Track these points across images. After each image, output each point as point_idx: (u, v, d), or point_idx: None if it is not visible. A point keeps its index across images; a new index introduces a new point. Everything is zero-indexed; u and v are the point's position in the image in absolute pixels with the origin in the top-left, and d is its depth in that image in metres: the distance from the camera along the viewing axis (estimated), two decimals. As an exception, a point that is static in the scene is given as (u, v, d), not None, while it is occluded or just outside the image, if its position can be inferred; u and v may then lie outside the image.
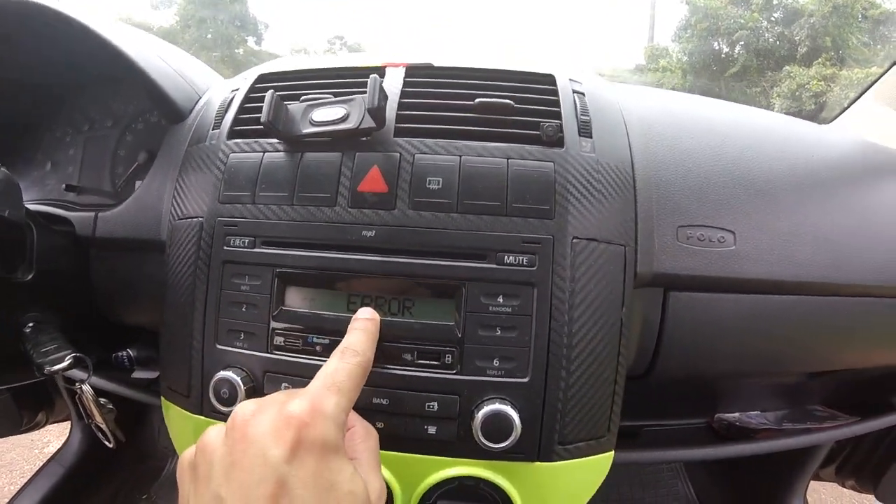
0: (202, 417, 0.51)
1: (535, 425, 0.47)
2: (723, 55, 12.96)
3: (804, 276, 0.55)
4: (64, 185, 0.56)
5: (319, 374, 0.39)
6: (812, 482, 1.23)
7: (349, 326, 0.44)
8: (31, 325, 0.53)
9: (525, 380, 0.47)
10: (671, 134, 0.59)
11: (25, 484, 1.23)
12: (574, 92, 0.56)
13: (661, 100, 0.71)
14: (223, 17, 20.00)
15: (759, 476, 1.20)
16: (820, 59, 11.02)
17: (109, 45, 0.58)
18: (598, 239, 0.49)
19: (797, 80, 10.80)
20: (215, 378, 0.49)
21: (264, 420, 0.35)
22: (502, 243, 0.48)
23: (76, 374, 0.58)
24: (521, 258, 0.48)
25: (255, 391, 0.48)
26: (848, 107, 1.10)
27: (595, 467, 0.50)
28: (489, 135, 0.52)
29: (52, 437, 2.04)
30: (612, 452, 0.50)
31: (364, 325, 0.45)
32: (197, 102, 0.64)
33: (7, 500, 1.19)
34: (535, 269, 0.48)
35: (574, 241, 0.48)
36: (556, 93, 0.55)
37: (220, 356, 0.50)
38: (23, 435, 1.96)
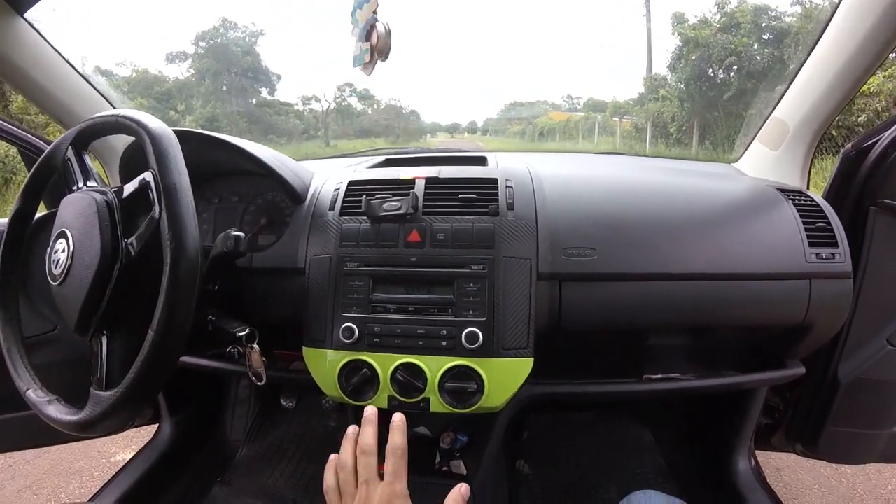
0: (332, 350, 0.95)
1: (489, 339, 0.90)
2: (718, 80, 12.99)
3: (636, 270, 0.96)
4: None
5: (388, 470, 0.70)
6: (786, 459, 1.45)
7: (392, 426, 0.74)
8: (211, 318, 0.90)
9: (484, 318, 0.92)
10: (560, 194, 1.04)
11: (127, 463, 1.47)
12: (507, 186, 1.03)
13: (558, 167, 1.18)
14: (236, 69, 20.74)
15: (711, 439, 1.46)
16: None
17: (253, 156, 1.04)
18: (515, 256, 0.95)
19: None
20: (342, 327, 0.94)
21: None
22: (471, 260, 0.95)
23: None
24: (480, 266, 0.94)
25: (360, 334, 0.94)
26: (748, 146, 1.42)
27: (521, 363, 0.91)
28: (465, 211, 1.00)
29: (118, 449, 2.19)
30: (532, 358, 0.91)
31: (399, 426, 0.74)
32: (309, 191, 1.08)
33: (115, 473, 1.43)
34: (486, 270, 0.94)
35: (503, 258, 0.94)
36: (496, 188, 1.03)
37: (343, 319, 0.95)
38: (91, 446, 2.19)
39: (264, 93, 22.10)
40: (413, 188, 1.03)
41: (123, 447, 2.20)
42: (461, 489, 0.72)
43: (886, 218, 1.13)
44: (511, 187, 1.04)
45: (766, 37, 12.65)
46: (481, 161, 1.29)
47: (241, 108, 20.49)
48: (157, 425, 1.60)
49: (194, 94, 20.24)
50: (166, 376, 0.71)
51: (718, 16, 13.05)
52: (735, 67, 12.65)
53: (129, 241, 0.75)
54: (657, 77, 15.42)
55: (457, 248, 0.96)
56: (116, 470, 1.45)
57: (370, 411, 0.77)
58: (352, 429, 0.78)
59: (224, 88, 20.77)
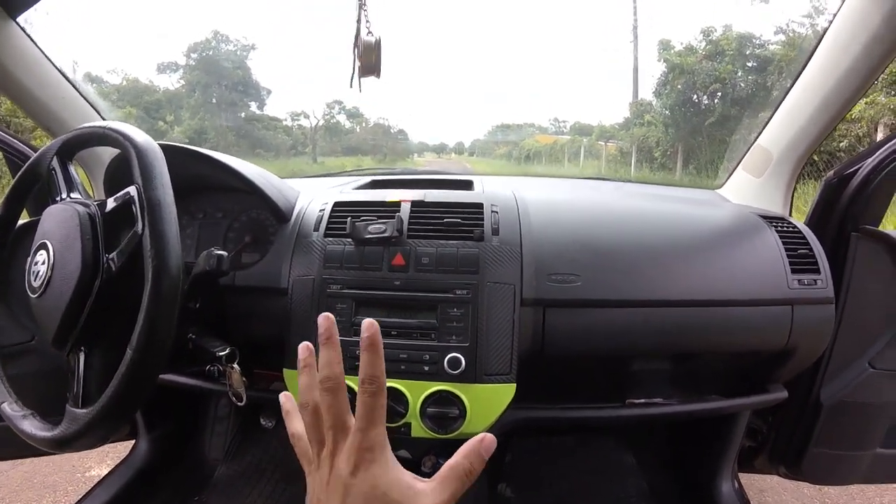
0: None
1: (472, 364, 0.89)
2: (702, 106, 13.20)
3: (620, 296, 0.97)
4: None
5: (358, 413, 0.53)
6: (769, 480, 1.43)
7: (362, 344, 0.55)
8: (192, 336, 0.89)
9: (467, 344, 0.92)
10: (545, 220, 1.04)
11: (101, 480, 1.42)
12: (492, 211, 1.04)
13: (544, 192, 1.20)
14: (227, 83, 20.79)
15: (694, 463, 1.46)
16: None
17: (237, 172, 1.03)
18: (499, 282, 0.95)
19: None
20: None
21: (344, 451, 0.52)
22: (455, 285, 0.94)
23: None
24: (464, 291, 0.94)
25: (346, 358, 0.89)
26: (732, 173, 1.45)
27: (504, 389, 0.91)
28: (450, 236, 1.00)
29: (93, 464, 2.15)
30: (514, 384, 0.91)
31: (372, 339, 0.55)
32: (293, 211, 1.07)
33: (86, 491, 1.38)
34: (470, 296, 0.94)
35: (488, 283, 0.94)
36: (482, 214, 1.04)
37: None
38: (66, 460, 2.14)
39: (253, 107, 22.22)
40: (398, 211, 1.03)
41: (99, 462, 2.15)
42: (484, 440, 0.51)
43: (868, 243, 1.16)
44: (496, 212, 1.04)
45: (750, 64, 12.93)
46: (467, 185, 1.30)
47: (230, 123, 20.49)
48: (133, 441, 1.56)
49: (184, 106, 20.20)
50: (144, 395, 0.69)
51: (704, 43, 13.38)
52: (719, 94, 12.88)
53: (111, 255, 0.74)
54: (643, 102, 15.74)
55: (441, 272, 0.96)
56: (91, 485, 1.41)
57: (325, 327, 0.59)
58: (305, 350, 0.61)
59: (213, 101, 20.74)
